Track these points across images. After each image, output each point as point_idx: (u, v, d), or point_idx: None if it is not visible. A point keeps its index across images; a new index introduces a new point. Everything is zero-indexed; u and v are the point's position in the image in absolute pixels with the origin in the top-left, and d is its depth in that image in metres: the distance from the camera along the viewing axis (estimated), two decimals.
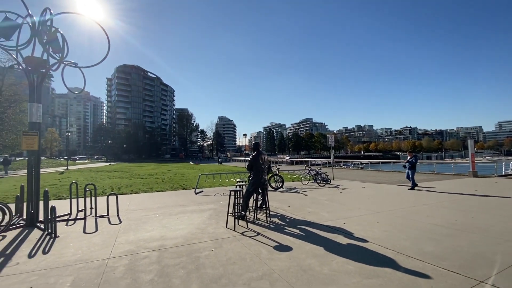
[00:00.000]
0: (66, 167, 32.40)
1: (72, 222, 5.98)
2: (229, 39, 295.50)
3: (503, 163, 16.36)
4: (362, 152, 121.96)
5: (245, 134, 32.80)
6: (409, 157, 11.20)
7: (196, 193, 10.09)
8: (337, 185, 11.94)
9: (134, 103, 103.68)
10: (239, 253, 3.81)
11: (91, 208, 6.69)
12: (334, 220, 5.63)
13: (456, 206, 6.87)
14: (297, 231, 4.88)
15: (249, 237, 4.56)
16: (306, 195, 9.30)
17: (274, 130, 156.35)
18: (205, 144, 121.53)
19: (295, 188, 11.35)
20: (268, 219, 5.64)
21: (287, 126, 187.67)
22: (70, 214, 6.76)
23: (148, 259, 3.65)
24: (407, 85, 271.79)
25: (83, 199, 6.78)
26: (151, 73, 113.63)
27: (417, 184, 10.63)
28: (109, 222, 5.83)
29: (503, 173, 15.91)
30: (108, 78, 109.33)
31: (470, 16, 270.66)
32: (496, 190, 9.48)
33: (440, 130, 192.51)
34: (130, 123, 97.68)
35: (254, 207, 6.10)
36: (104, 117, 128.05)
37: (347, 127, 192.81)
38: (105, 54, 6.71)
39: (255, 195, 6.15)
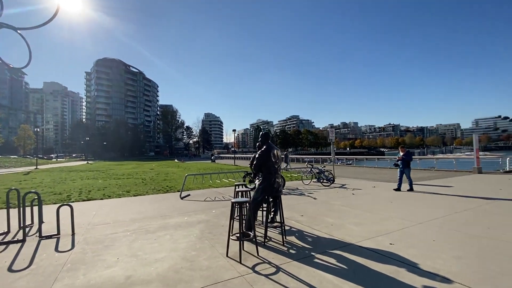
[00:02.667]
0: (35, 167, 29.30)
1: (3, 247, 4.17)
2: (216, 34, 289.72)
3: (507, 158, 15.68)
4: (348, 148, 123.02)
5: (234, 130, 30.97)
6: (401, 153, 9.30)
7: (181, 198, 8.37)
8: (343, 185, 10.58)
9: (115, 99, 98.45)
10: None
11: (40, 223, 4.88)
12: (371, 238, 4.15)
13: (504, 211, 5.62)
14: (333, 260, 3.34)
15: (266, 276, 2.97)
16: (315, 198, 7.81)
17: (261, 127, 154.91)
18: (191, 141, 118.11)
19: (297, 189, 9.87)
20: (285, 239, 4.07)
21: (274, 123, 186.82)
22: (6, 233, 4.94)
23: None
24: (390, 83, 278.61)
25: (41, 209, 4.90)
26: (133, 67, 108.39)
27: (412, 186, 8.87)
28: (56, 248, 4.07)
29: (508, 169, 15.22)
30: (87, 72, 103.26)
31: (449, 13, 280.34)
32: None
33: (421, 127, 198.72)
34: (111, 120, 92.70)
35: (264, 222, 4.50)
36: (84, 113, 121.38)
37: (332, 124, 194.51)
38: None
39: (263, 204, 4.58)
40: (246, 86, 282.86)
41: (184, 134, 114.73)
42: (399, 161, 9.27)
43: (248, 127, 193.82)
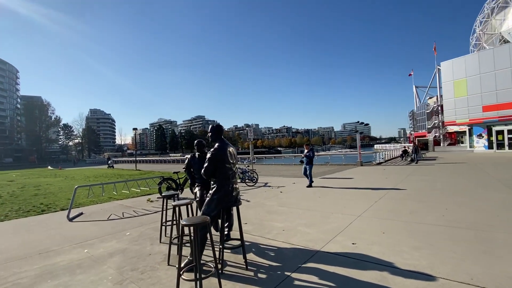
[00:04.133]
0: None
1: None
2: (107, 20, 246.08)
3: (377, 153, 20.15)
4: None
5: (135, 129, 26.45)
6: (306, 151, 9.69)
7: (70, 219, 6.01)
8: (266, 183, 10.54)
9: None
10: None
11: None
12: (331, 240, 3.88)
13: (405, 196, 6.74)
14: (314, 278, 2.77)
15: None
16: (248, 201, 7.22)
17: (164, 127, 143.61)
18: (71, 143, 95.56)
19: None
20: (246, 259, 3.20)
21: (178, 123, 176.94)
22: None
23: None
24: (284, 88, 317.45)
25: None
26: None
27: (313, 182, 9.34)
28: None
29: (378, 162, 19.57)
30: None
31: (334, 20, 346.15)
32: (403, 174, 10.72)
33: (307, 129, 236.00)
34: None
35: (220, 242, 3.43)
36: None
37: (237, 125, 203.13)
38: None
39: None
40: (144, 82, 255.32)
41: (61, 134, 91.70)
42: (304, 158, 9.67)
43: (148, 126, 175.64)
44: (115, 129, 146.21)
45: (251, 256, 3.44)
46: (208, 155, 3.08)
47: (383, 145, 77.90)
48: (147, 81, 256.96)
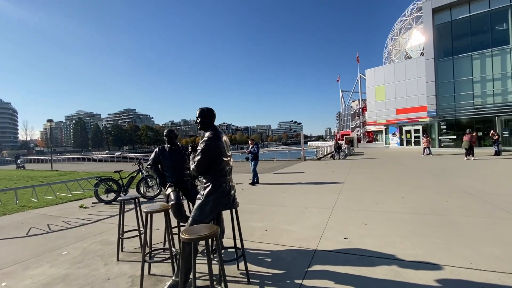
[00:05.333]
0: None
1: None
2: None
3: (315, 150, 21.72)
4: (190, 146, 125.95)
5: (50, 120, 21.33)
6: (250, 147, 9.32)
7: None
8: None
9: None
10: None
11: None
12: (321, 237, 3.69)
13: (357, 188, 7.22)
14: (329, 283, 2.47)
15: None
16: None
17: (85, 121, 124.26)
18: None
19: None
20: (248, 272, 2.67)
21: (102, 117, 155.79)
22: None
23: None
24: (226, 85, 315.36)
25: None
26: None
27: (257, 180, 8.89)
28: None
29: (318, 157, 21.09)
30: None
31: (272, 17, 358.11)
32: (345, 168, 11.63)
33: (247, 126, 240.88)
34: None
35: (217, 253, 2.75)
36: None
37: (173, 121, 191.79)
38: None
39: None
40: (57, 63, 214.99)
41: None
42: (249, 155, 9.35)
43: (63, 119, 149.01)
44: (17, 122, 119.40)
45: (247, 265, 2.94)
46: (202, 146, 2.42)
47: (314, 142, 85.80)
48: (60, 64, 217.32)
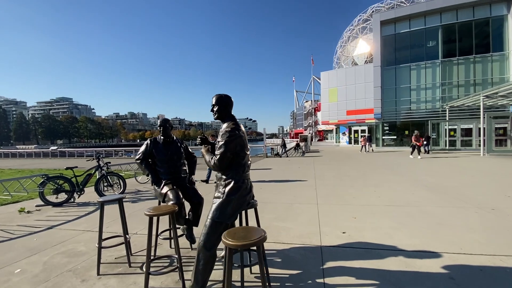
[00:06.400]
0: None
1: None
2: None
3: (278, 147, 22.21)
4: (138, 140, 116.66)
5: None
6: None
7: None
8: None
9: None
10: None
11: None
12: (320, 233, 3.68)
13: (331, 183, 7.55)
14: (350, 279, 2.43)
15: None
16: None
17: (5, 109, 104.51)
18: None
19: (139, 191, 7.31)
20: (269, 276, 2.45)
21: (29, 105, 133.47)
22: None
23: None
24: (178, 78, 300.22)
25: None
26: None
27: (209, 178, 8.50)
28: None
29: (280, 154, 21.57)
30: None
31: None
32: (308, 164, 12.11)
33: (201, 122, 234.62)
34: None
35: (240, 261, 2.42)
36: None
37: (118, 113, 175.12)
38: None
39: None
40: None
41: None
42: None
43: None
44: None
45: (255, 268, 2.73)
46: (225, 137, 2.10)
47: (269, 140, 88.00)
48: None
